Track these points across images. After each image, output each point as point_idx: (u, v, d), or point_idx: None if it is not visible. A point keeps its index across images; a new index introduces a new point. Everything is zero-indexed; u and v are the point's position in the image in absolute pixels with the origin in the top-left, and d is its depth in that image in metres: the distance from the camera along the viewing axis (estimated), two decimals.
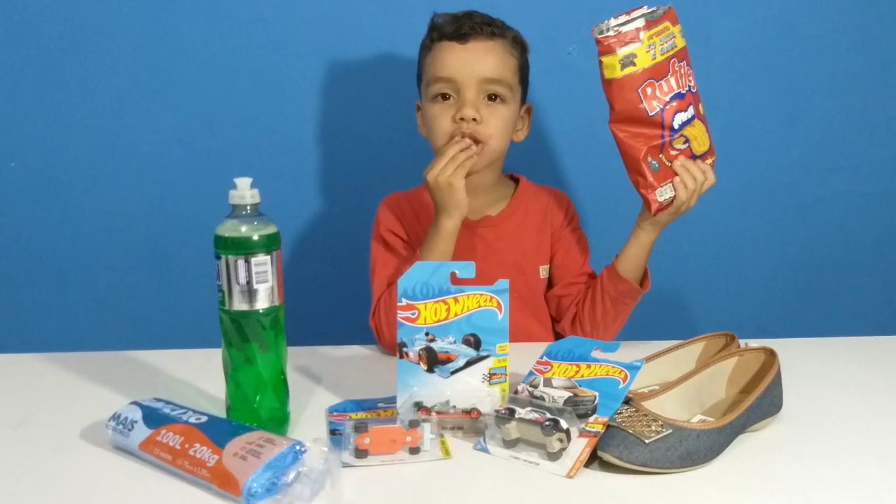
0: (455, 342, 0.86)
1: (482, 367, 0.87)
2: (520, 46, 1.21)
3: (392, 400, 0.89)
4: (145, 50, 1.47)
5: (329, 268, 1.57)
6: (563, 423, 0.77)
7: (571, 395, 0.83)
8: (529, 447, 0.80)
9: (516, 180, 1.30)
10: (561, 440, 0.77)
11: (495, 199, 1.27)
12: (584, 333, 1.20)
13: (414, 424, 0.79)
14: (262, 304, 0.81)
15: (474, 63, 1.15)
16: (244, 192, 0.81)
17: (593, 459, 0.78)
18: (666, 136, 1.05)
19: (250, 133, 1.51)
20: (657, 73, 1.03)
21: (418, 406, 0.85)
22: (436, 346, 0.86)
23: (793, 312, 1.65)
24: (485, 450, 0.81)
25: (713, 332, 0.97)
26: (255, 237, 0.80)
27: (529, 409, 0.80)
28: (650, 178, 1.06)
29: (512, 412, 0.80)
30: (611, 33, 1.00)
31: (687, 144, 1.07)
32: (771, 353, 0.89)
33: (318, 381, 1.01)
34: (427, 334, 0.86)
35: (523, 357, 0.92)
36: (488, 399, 0.85)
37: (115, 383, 0.98)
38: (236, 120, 1.50)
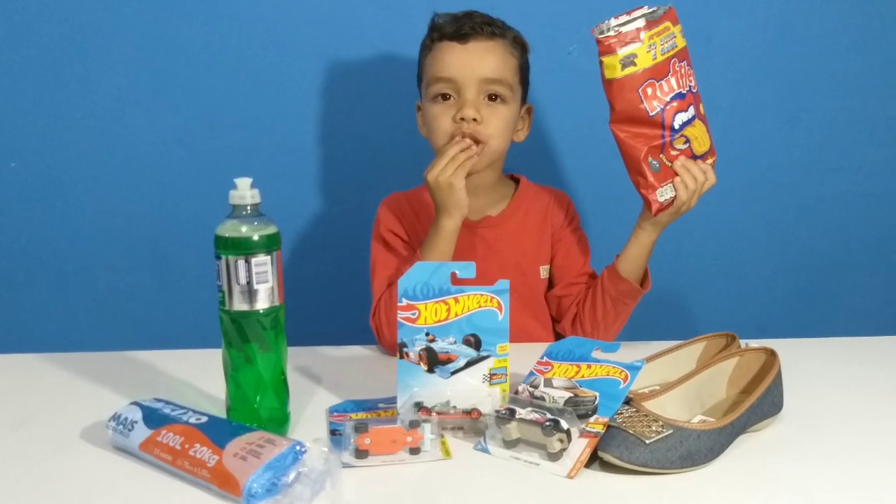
0: (455, 342, 0.86)
1: (482, 368, 0.87)
2: (520, 46, 1.21)
3: (392, 400, 0.89)
4: (145, 50, 1.47)
5: (329, 268, 1.57)
6: (564, 424, 0.77)
7: (572, 395, 0.83)
8: (530, 447, 0.79)
9: (517, 180, 1.30)
10: (561, 440, 0.77)
11: (496, 200, 1.27)
12: (585, 334, 1.20)
13: (414, 425, 0.79)
14: (262, 304, 0.81)
15: (475, 63, 1.15)
16: (244, 192, 0.80)
17: (594, 460, 0.78)
18: (666, 137, 1.05)
19: (250, 133, 1.51)
20: (658, 73, 1.02)
21: (419, 406, 0.85)
22: (436, 346, 0.86)
23: (793, 313, 1.65)
24: (485, 450, 0.81)
25: (714, 333, 0.97)
26: (256, 237, 0.79)
27: (530, 409, 0.80)
28: (651, 179, 1.06)
29: (512, 412, 0.80)
30: (611, 33, 1.00)
31: (687, 144, 1.07)
32: (771, 354, 0.89)
33: (318, 381, 1.01)
34: (427, 334, 0.86)
35: (524, 357, 0.91)
36: (489, 399, 0.85)
37: (115, 383, 0.98)
38: (236, 120, 1.50)
